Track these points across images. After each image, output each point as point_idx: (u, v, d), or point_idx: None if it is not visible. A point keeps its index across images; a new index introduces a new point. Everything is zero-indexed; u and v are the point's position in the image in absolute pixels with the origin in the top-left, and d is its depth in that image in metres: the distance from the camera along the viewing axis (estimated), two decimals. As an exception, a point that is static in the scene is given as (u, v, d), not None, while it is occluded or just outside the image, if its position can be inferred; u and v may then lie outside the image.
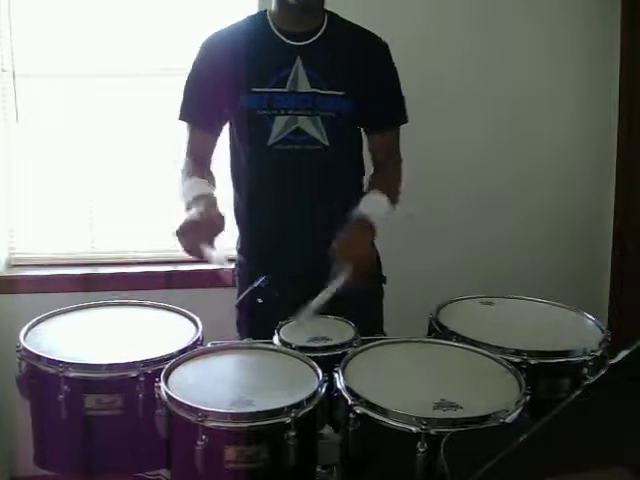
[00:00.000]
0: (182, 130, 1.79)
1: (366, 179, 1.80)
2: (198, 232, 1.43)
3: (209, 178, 1.71)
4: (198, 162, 1.74)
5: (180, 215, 1.53)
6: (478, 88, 2.53)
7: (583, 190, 2.67)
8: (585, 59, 2.60)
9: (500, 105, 2.55)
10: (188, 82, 1.76)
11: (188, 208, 1.54)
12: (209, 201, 1.52)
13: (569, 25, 2.56)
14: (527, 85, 2.56)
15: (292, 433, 1.14)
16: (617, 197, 2.63)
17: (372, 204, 1.64)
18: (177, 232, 1.44)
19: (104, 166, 2.58)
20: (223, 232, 1.46)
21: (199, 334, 1.49)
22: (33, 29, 2.47)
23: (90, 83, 2.51)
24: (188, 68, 1.76)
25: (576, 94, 2.62)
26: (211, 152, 1.79)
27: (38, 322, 1.53)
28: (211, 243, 1.44)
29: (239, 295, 1.77)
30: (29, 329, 1.49)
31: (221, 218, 1.47)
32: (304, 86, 1.67)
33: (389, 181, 1.74)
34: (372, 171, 1.80)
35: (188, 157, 1.76)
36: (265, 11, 1.75)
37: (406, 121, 1.81)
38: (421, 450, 1.09)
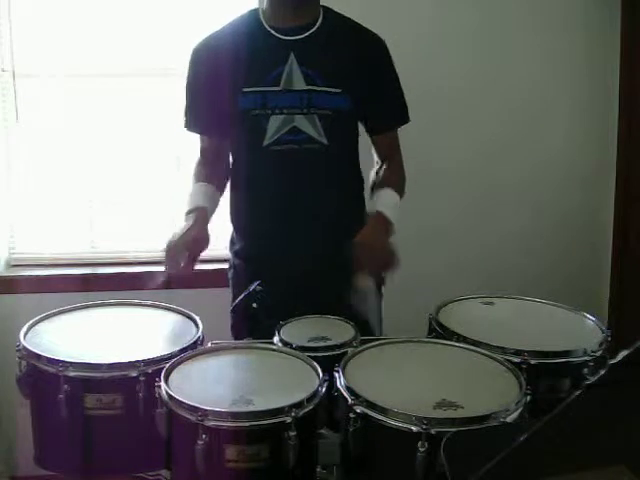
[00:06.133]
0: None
1: (373, 173, 1.80)
2: (181, 254, 1.51)
3: (215, 181, 1.73)
4: (209, 163, 1.76)
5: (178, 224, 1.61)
6: (480, 90, 2.53)
7: (583, 190, 2.67)
8: (585, 61, 2.59)
9: (501, 106, 2.56)
10: (186, 90, 1.75)
11: (185, 216, 1.61)
12: (198, 219, 1.58)
13: (569, 28, 2.55)
14: (528, 86, 2.56)
15: (292, 432, 1.14)
16: (617, 197, 2.63)
17: (387, 200, 1.67)
18: (165, 249, 1.52)
19: (104, 166, 2.58)
20: (203, 251, 1.55)
21: (199, 334, 1.49)
22: (33, 29, 2.47)
23: (90, 83, 2.52)
24: (186, 69, 1.75)
25: (577, 96, 2.62)
26: (223, 154, 1.78)
27: (38, 322, 1.53)
28: (193, 262, 1.52)
29: (233, 299, 1.75)
30: (29, 329, 1.49)
31: (204, 240, 1.55)
32: (299, 84, 1.63)
33: (396, 177, 1.76)
34: (376, 166, 1.80)
35: (200, 157, 1.78)
36: (257, 9, 1.71)
37: (409, 120, 1.79)
38: (421, 450, 1.09)
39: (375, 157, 1.81)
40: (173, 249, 1.51)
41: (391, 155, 1.80)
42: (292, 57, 1.63)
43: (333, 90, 1.65)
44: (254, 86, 1.63)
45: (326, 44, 1.66)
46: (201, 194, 1.68)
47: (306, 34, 1.66)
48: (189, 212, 1.62)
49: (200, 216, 1.60)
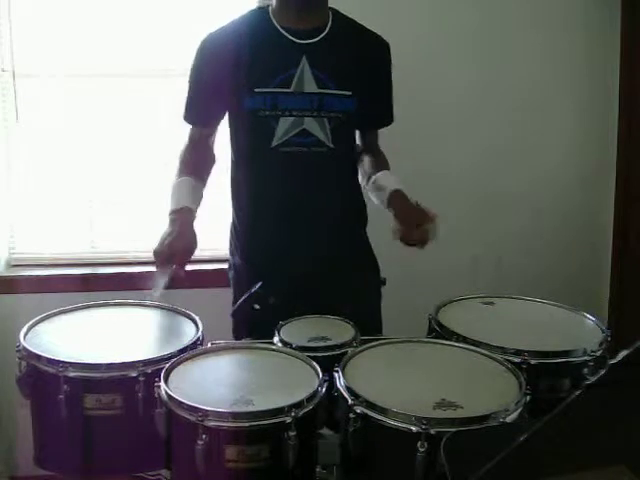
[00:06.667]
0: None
1: (370, 161, 1.82)
2: (169, 261, 1.48)
3: (201, 170, 1.73)
4: (197, 150, 1.76)
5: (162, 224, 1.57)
6: (480, 90, 2.54)
7: (583, 191, 2.67)
8: (585, 61, 2.60)
9: (501, 106, 2.56)
10: (190, 83, 1.74)
11: (170, 216, 1.58)
12: (184, 224, 1.55)
13: (569, 28, 2.56)
14: (528, 86, 2.56)
15: (292, 433, 1.14)
16: (617, 197, 2.63)
17: (396, 180, 1.72)
18: (154, 253, 1.49)
19: (104, 166, 2.58)
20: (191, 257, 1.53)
21: (199, 334, 1.49)
22: (33, 29, 2.47)
23: (90, 83, 2.52)
24: (188, 69, 1.75)
25: (577, 95, 2.62)
26: (212, 141, 1.80)
27: (38, 322, 1.53)
28: (183, 268, 1.49)
29: (235, 301, 1.75)
30: (29, 329, 1.49)
31: (191, 249, 1.51)
32: (310, 87, 1.64)
33: (386, 161, 1.82)
34: (366, 155, 1.83)
35: (189, 143, 1.77)
36: (267, 7, 1.71)
37: (393, 121, 1.85)
38: (421, 450, 1.09)
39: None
40: (161, 258, 1.48)
41: (375, 145, 1.86)
42: (304, 60, 1.63)
43: (344, 93, 1.66)
44: (264, 87, 1.63)
45: (336, 47, 1.67)
46: (186, 191, 1.65)
47: (318, 38, 1.66)
48: (173, 212, 1.59)
49: (185, 221, 1.56)
